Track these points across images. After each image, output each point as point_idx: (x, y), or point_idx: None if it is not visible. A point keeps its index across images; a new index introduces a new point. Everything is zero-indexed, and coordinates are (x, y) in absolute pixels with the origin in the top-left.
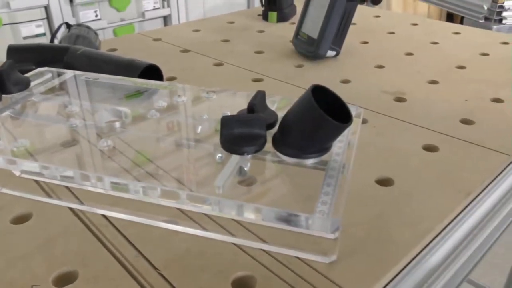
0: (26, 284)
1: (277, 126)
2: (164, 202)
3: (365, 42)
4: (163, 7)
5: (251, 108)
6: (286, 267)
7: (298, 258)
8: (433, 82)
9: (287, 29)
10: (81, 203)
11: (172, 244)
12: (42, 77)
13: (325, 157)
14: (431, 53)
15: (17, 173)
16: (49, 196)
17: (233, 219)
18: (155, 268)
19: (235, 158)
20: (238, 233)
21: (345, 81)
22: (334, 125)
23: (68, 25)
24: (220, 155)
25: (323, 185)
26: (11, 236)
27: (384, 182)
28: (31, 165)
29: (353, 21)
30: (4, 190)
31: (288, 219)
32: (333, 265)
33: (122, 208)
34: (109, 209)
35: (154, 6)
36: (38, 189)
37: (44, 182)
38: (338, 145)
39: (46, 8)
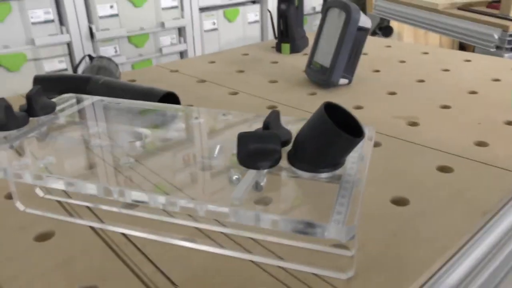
0: None
1: (291, 144)
2: (183, 221)
3: (377, 71)
4: (180, 42)
5: (266, 126)
6: (304, 283)
7: (315, 274)
8: (445, 107)
9: (300, 60)
10: (102, 222)
11: (190, 261)
12: (66, 102)
13: (339, 171)
14: (443, 79)
15: (41, 194)
16: (71, 215)
17: (250, 237)
18: (174, 284)
19: (251, 173)
20: (255, 250)
21: (358, 107)
22: (346, 139)
23: (91, 57)
24: (236, 176)
25: (338, 197)
26: (34, 253)
27: (399, 201)
28: (57, 181)
29: (365, 51)
30: (28, 210)
31: (304, 229)
32: (350, 281)
33: (141, 227)
34: (129, 228)
35: (171, 42)
36: (60, 209)
37: (67, 202)
38: (352, 161)
39: (69, 45)
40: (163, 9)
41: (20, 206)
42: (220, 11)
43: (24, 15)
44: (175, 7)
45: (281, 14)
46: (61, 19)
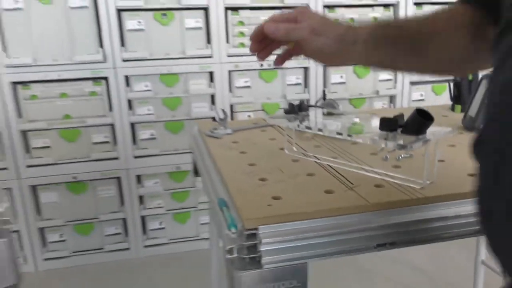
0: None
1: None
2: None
3: None
4: (389, 107)
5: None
6: (395, 185)
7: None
8: None
9: None
10: (319, 159)
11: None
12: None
13: (421, 136)
14: None
15: (295, 150)
16: (307, 156)
17: (368, 170)
18: (351, 182)
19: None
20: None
21: None
22: (420, 120)
23: (324, 97)
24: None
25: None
26: (292, 166)
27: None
28: (312, 126)
29: None
30: (289, 153)
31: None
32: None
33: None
34: (335, 163)
35: (382, 107)
36: (302, 155)
37: (307, 154)
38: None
39: (307, 101)
40: (379, 81)
41: (286, 152)
42: (429, 86)
43: (283, 79)
44: (389, 79)
45: (455, 83)
46: (306, 83)
